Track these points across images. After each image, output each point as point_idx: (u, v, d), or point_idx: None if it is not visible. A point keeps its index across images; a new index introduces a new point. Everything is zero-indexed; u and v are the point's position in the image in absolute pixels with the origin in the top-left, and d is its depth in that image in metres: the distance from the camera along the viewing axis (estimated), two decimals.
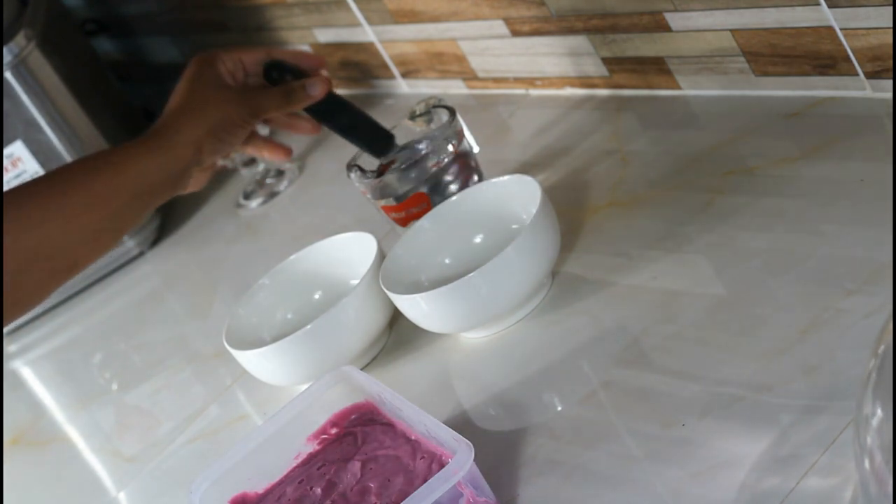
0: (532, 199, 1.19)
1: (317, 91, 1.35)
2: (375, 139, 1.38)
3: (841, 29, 1.17)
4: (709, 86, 1.35)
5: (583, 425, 1.03)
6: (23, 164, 1.77)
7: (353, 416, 1.12)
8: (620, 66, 1.42)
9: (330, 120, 1.39)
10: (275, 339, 1.27)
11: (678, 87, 1.38)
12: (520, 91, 1.59)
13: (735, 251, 1.11)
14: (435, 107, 1.37)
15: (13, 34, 1.73)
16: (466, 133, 1.35)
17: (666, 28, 1.32)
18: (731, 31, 1.26)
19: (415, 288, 1.21)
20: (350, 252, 1.32)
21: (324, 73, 1.39)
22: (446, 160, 1.32)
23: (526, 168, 1.42)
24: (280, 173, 1.79)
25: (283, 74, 1.37)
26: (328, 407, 1.12)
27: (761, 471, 0.88)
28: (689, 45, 1.32)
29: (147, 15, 2.22)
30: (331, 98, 1.38)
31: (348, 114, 1.39)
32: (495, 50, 1.57)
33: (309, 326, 1.22)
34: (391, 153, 1.36)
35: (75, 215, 1.19)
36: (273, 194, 1.77)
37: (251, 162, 1.79)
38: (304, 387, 1.16)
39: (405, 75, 1.75)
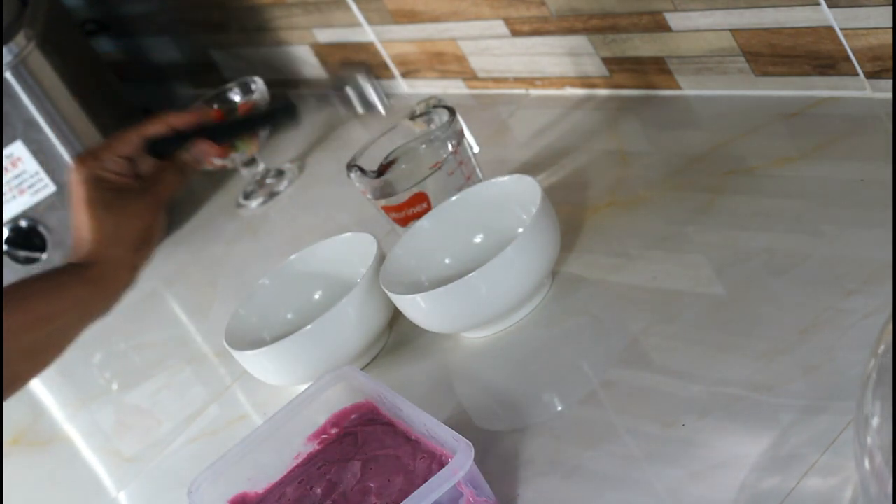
0: (532, 199, 1.19)
1: (205, 157, 1.34)
2: (281, 119, 1.39)
3: (841, 29, 1.17)
4: (709, 86, 1.35)
5: (583, 425, 1.03)
6: (23, 164, 1.77)
7: (353, 416, 1.12)
8: (620, 66, 1.42)
9: (230, 139, 1.41)
10: (275, 339, 1.27)
11: (678, 87, 1.38)
12: (520, 91, 1.59)
13: (735, 251, 1.11)
14: (435, 107, 1.37)
15: (13, 34, 1.74)
16: (466, 133, 1.35)
17: (666, 28, 1.32)
18: (730, 31, 1.26)
19: (415, 288, 1.21)
20: (350, 252, 1.32)
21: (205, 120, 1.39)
22: (446, 160, 1.32)
23: (526, 168, 1.42)
24: (280, 173, 1.79)
25: (166, 145, 1.36)
26: (328, 407, 1.12)
27: (761, 471, 0.88)
28: (689, 45, 1.32)
29: (147, 15, 2.22)
30: (218, 127, 1.38)
31: (240, 125, 1.41)
32: (495, 50, 1.57)
33: (309, 326, 1.22)
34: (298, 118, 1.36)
35: (14, 334, 1.20)
36: (273, 194, 1.77)
37: (251, 162, 1.78)
38: (304, 387, 1.16)
39: (405, 75, 1.75)
